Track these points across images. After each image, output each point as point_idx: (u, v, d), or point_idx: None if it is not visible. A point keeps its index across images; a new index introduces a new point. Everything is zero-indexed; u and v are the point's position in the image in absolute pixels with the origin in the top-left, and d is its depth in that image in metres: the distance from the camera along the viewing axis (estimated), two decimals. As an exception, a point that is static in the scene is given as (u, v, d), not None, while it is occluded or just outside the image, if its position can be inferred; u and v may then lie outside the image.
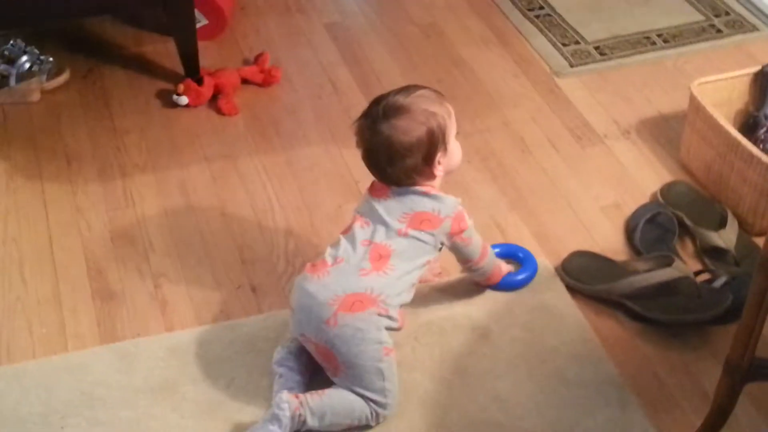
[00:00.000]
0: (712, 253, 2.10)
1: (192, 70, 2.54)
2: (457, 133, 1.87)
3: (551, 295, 2.03)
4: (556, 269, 2.08)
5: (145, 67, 2.66)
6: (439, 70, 2.67)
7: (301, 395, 1.73)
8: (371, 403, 1.74)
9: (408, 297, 1.81)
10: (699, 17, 2.87)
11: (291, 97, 2.58)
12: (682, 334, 1.95)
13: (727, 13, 2.88)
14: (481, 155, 2.39)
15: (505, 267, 2.03)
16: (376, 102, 1.80)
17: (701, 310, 1.92)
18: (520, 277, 2.05)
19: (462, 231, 1.84)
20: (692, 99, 2.26)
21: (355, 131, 1.82)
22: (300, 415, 1.70)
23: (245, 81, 2.58)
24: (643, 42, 2.76)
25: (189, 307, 2.00)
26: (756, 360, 1.74)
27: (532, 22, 2.86)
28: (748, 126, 2.30)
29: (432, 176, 1.81)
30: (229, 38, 2.77)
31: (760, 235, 2.16)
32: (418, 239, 1.79)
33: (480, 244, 1.91)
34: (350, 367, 1.73)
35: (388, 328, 1.76)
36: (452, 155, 1.84)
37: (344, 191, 2.29)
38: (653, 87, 2.61)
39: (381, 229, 1.79)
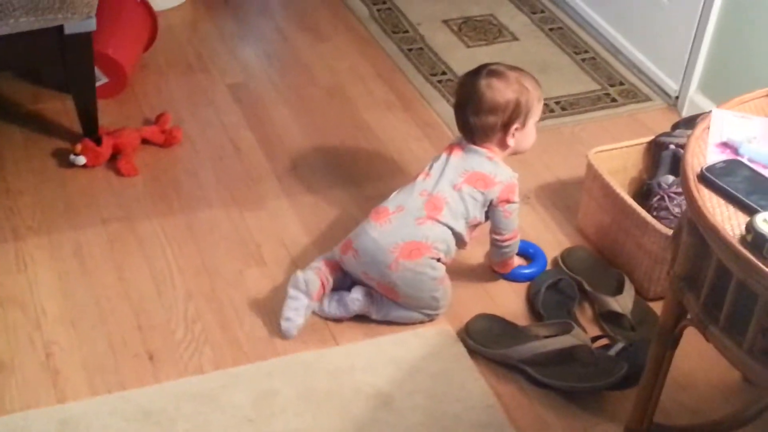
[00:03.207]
0: (609, 318, 2.14)
1: (90, 129, 2.48)
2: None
3: (453, 360, 2.03)
4: (459, 333, 2.09)
5: (42, 125, 2.59)
6: (342, 133, 2.68)
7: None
8: (427, 313, 2.08)
9: (457, 248, 2.07)
10: (595, 86, 2.95)
11: (192, 158, 2.55)
12: (581, 399, 1.97)
13: (621, 83, 2.98)
14: (383, 219, 2.40)
15: (517, 261, 2.23)
16: (485, 65, 2.08)
17: (597, 378, 1.94)
18: (528, 271, 2.24)
19: (508, 201, 2.07)
20: (589, 166, 2.32)
21: (458, 81, 2.11)
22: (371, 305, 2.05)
23: (145, 141, 2.54)
24: (543, 110, 2.82)
25: (82, 376, 1.93)
26: (654, 426, 1.77)
27: (434, 86, 2.90)
28: (642, 193, 2.36)
29: (504, 144, 2.07)
30: (130, 97, 2.73)
31: (654, 300, 2.21)
32: (470, 195, 2.04)
33: (515, 225, 2.12)
34: (410, 298, 2.04)
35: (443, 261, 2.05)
36: (527, 135, 2.09)
37: (245, 255, 2.26)
38: (552, 153, 2.67)
39: (440, 182, 2.05)
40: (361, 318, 2.10)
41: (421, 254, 2.01)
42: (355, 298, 2.07)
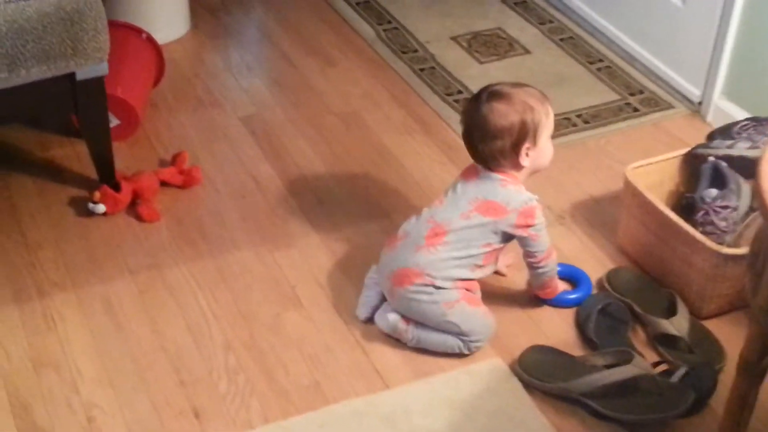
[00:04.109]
0: (665, 341, 2.07)
1: (107, 176, 2.39)
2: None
3: (510, 397, 1.96)
4: (512, 367, 2.02)
5: (54, 173, 2.50)
6: (364, 161, 2.60)
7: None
8: (461, 339, 2.00)
9: (468, 274, 2.01)
10: (615, 96, 2.89)
11: (213, 197, 2.46)
12: (648, 431, 1.90)
13: (641, 92, 2.91)
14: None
15: (561, 286, 2.15)
16: (485, 88, 2.01)
17: (663, 409, 1.87)
18: (574, 296, 2.17)
19: (528, 226, 1.99)
20: (627, 184, 2.25)
21: (462, 109, 2.04)
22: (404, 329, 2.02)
23: (164, 183, 2.45)
24: (565, 124, 2.76)
25: (128, 440, 1.84)
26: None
27: (452, 107, 2.83)
28: (683, 208, 2.29)
29: (518, 165, 2.00)
30: (142, 138, 2.64)
31: (708, 318, 2.14)
32: (479, 223, 1.97)
33: (547, 245, 2.04)
34: (425, 324, 2.01)
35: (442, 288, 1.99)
36: (542, 152, 2.01)
37: (280, 298, 2.17)
38: (580, 169, 2.60)
39: (448, 209, 2.01)
40: (407, 355, 2.03)
41: (410, 281, 1.99)
42: (391, 317, 2.04)
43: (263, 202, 2.45)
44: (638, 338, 2.11)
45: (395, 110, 2.81)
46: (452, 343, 2.03)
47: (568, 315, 2.17)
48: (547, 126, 1.99)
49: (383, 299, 2.10)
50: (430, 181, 2.55)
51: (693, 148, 2.32)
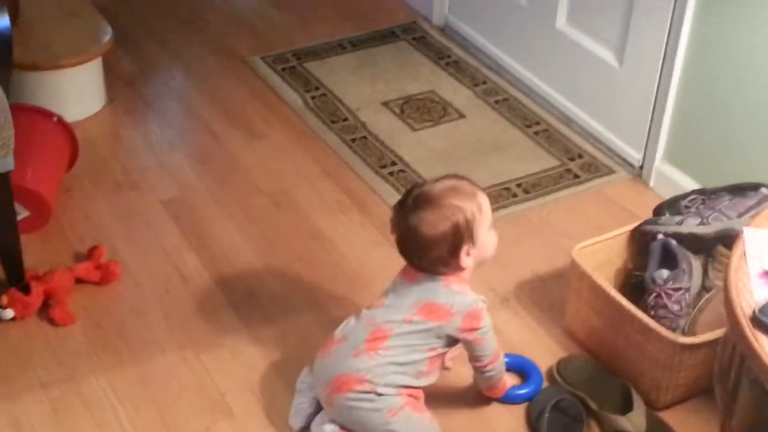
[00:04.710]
0: (621, 438, 1.95)
1: (16, 277, 2.20)
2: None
3: None
4: (463, 478, 1.88)
5: (-46, 275, 2.30)
6: (297, 246, 2.45)
7: None
8: None
9: (411, 381, 1.87)
10: (554, 162, 2.79)
11: (134, 294, 2.28)
12: None
13: (581, 156, 2.82)
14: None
15: (510, 380, 2.03)
16: (410, 191, 1.88)
17: None
18: (524, 391, 2.05)
19: (474, 329, 1.87)
20: (575, 266, 2.13)
21: (390, 218, 1.90)
22: None
23: (79, 280, 2.27)
24: (505, 195, 2.65)
25: None
26: None
27: (386, 180, 2.70)
28: (632, 286, 2.19)
29: (459, 267, 1.86)
30: (55, 228, 2.45)
31: (664, 409, 2.03)
32: (423, 327, 1.85)
33: (493, 347, 1.92)
34: None
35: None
36: (484, 247, 1.88)
37: (210, 408, 2.00)
38: (524, 245, 2.48)
39: (390, 311, 1.87)
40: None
41: (350, 388, 1.84)
42: (328, 429, 1.89)
43: (188, 297, 2.28)
44: (594, 435, 1.99)
45: (327, 186, 2.67)
46: None
47: (519, 412, 2.03)
48: (482, 221, 1.86)
49: (318, 406, 1.95)
50: (367, 266, 2.40)
51: (641, 225, 2.22)
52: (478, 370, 1.95)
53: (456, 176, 1.90)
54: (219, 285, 2.32)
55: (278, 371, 2.09)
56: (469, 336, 1.87)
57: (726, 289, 1.33)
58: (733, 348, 1.40)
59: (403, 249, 1.89)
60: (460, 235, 1.82)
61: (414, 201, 1.84)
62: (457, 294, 1.87)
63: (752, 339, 1.24)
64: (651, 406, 2.02)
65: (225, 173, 2.70)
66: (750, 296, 1.32)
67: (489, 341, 1.91)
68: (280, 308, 2.26)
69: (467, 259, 1.85)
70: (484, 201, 1.87)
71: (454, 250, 1.83)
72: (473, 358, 1.93)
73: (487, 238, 1.88)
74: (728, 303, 1.32)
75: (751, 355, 1.23)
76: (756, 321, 1.27)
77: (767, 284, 1.34)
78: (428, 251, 1.83)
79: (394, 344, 1.85)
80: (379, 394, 1.84)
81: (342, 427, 1.88)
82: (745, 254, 1.39)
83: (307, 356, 2.09)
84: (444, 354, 1.92)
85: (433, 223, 1.81)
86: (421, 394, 1.92)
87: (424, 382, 1.91)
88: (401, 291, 1.90)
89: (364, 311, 1.93)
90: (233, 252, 2.42)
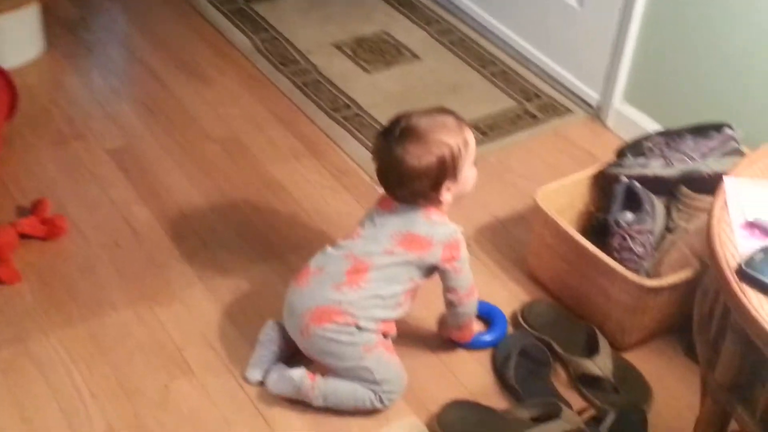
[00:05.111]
0: (588, 382, 1.93)
1: (-43, 234, 2.10)
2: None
3: (429, 462, 1.78)
4: (429, 425, 1.84)
5: None
6: (250, 194, 2.37)
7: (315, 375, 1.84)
8: (372, 390, 1.84)
9: (390, 313, 1.85)
10: (511, 103, 2.73)
11: (83, 249, 2.19)
12: (579, 488, 1.75)
13: (538, 96, 2.77)
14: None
15: (476, 326, 2.01)
16: (396, 121, 1.82)
17: (597, 463, 1.73)
18: (489, 337, 2.02)
19: (453, 259, 1.85)
20: (538, 211, 2.09)
21: (372, 147, 1.86)
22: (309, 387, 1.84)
23: (25, 236, 2.17)
24: (462, 137, 2.58)
25: None
26: None
27: (340, 124, 2.62)
28: (595, 229, 2.15)
29: (438, 201, 1.84)
30: (-4, 182, 2.35)
31: (629, 350, 2.02)
32: (404, 259, 1.82)
33: (470, 280, 1.90)
34: (337, 368, 1.84)
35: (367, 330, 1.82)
36: (464, 182, 1.86)
37: (167, 365, 1.94)
38: (483, 187, 2.38)
39: (368, 243, 1.84)
40: (314, 420, 1.84)
41: (330, 319, 1.81)
42: (296, 374, 1.84)
43: (140, 251, 2.20)
44: (560, 379, 1.97)
45: (280, 132, 2.59)
46: (363, 395, 1.84)
47: (484, 359, 2.00)
48: (466, 156, 1.83)
49: (278, 359, 1.90)
50: (322, 213, 2.34)
51: (605, 167, 2.18)
52: (452, 306, 1.91)
53: (444, 110, 1.86)
54: (171, 237, 2.24)
55: (235, 324, 2.03)
56: (449, 266, 1.85)
57: (709, 242, 1.29)
58: (713, 299, 1.37)
59: (384, 179, 1.85)
60: (444, 170, 1.79)
61: (401, 132, 1.79)
62: (437, 224, 1.84)
63: (739, 292, 1.20)
64: (616, 348, 2.00)
65: (173, 120, 2.60)
66: (734, 248, 1.28)
67: (467, 273, 1.88)
68: (235, 259, 2.19)
69: (447, 194, 1.83)
70: (469, 136, 1.84)
71: (436, 185, 1.81)
72: (450, 290, 1.89)
73: (468, 174, 1.86)
74: (713, 256, 1.27)
75: (738, 309, 1.19)
76: (742, 274, 1.23)
77: (751, 235, 1.30)
78: (410, 183, 1.80)
79: (376, 277, 1.82)
80: (360, 328, 1.82)
81: (308, 371, 1.85)
82: (726, 204, 1.35)
83: (265, 308, 2.04)
84: (420, 285, 1.89)
85: (418, 157, 1.77)
86: (393, 330, 1.90)
87: (400, 313, 1.88)
88: (378, 221, 1.85)
89: (340, 242, 1.88)
90: (185, 202, 2.34)
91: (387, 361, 1.86)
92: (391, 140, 1.80)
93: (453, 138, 1.80)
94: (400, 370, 1.88)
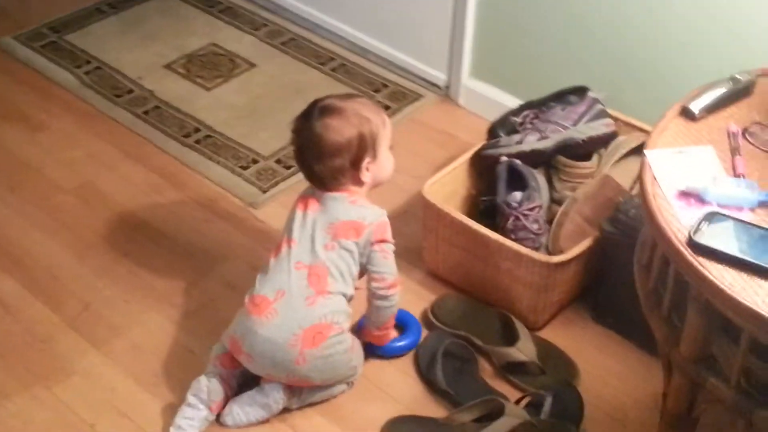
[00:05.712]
0: (513, 369, 1.94)
1: None
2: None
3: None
4: (372, 449, 1.81)
5: None
6: (120, 243, 2.23)
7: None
8: (347, 382, 1.89)
9: (348, 307, 1.84)
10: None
11: (-48, 338, 2.00)
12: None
13: (385, 86, 2.74)
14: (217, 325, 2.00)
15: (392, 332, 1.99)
16: (314, 103, 1.84)
17: (550, 449, 1.74)
18: (404, 342, 1.99)
19: (384, 241, 1.84)
20: (429, 205, 2.07)
21: (291, 128, 1.84)
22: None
23: None
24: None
25: None
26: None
27: (195, 150, 2.50)
28: (482, 213, 2.16)
29: (359, 181, 1.84)
30: None
31: (543, 328, 2.04)
32: (346, 249, 1.81)
33: (395, 269, 1.87)
34: (329, 380, 1.85)
35: None
36: (382, 165, 1.87)
37: (83, 445, 1.80)
38: (358, 190, 2.38)
39: (308, 246, 1.80)
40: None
41: (325, 337, 1.78)
42: (279, 398, 1.82)
43: (17, 328, 2.02)
44: (486, 372, 1.96)
45: (132, 168, 2.44)
46: (337, 389, 1.89)
47: (407, 367, 1.97)
48: (385, 136, 1.85)
49: (209, 416, 1.82)
50: (201, 246, 2.23)
51: (481, 149, 2.18)
52: (378, 296, 1.86)
53: (357, 94, 1.93)
54: (47, 305, 2.07)
55: (143, 385, 1.91)
56: (378, 249, 1.83)
57: (652, 220, 1.30)
58: (660, 274, 1.38)
59: (303, 158, 1.83)
60: (364, 145, 1.80)
61: (320, 110, 1.81)
62: (364, 207, 1.84)
63: (696, 264, 1.22)
64: (530, 329, 2.01)
65: (15, 178, 2.40)
66: (677, 221, 1.30)
67: (393, 259, 1.86)
68: (123, 314, 2.06)
69: (367, 174, 1.83)
70: (387, 120, 1.87)
71: (357, 161, 1.81)
72: (377, 278, 1.85)
73: (387, 156, 1.88)
74: (660, 233, 1.28)
75: (698, 280, 1.21)
76: (693, 245, 1.25)
77: (688, 205, 1.33)
78: (331, 158, 1.79)
79: (335, 279, 1.80)
80: (344, 331, 1.82)
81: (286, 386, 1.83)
82: (655, 179, 1.37)
83: (169, 361, 1.93)
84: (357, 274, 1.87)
85: (339, 129, 1.78)
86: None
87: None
88: (306, 222, 1.83)
89: (275, 258, 1.82)
90: (52, 264, 2.17)
91: (360, 352, 1.90)
92: (311, 118, 1.80)
93: (373, 115, 1.83)
94: (359, 347, 1.91)
